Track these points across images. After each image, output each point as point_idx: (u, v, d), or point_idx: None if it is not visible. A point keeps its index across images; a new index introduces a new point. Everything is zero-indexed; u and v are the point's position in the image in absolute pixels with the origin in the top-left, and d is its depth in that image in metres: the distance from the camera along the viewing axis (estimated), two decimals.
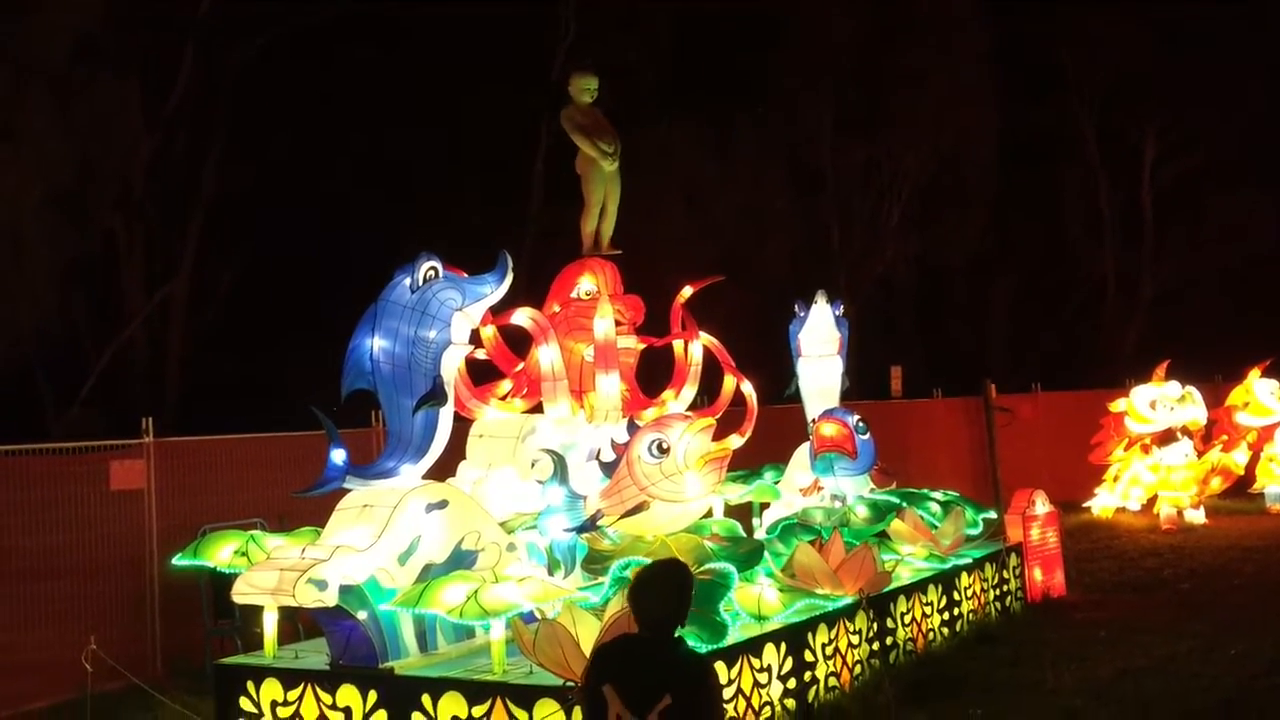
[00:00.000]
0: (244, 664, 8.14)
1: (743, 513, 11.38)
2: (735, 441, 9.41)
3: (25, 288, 17.47)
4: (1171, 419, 17.63)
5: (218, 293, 21.78)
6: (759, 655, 7.90)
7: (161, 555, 10.28)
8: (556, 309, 9.82)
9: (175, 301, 21.08)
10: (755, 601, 8.36)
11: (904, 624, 9.68)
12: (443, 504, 7.80)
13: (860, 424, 10.77)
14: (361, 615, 7.43)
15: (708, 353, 10.21)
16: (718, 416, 9.34)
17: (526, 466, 8.92)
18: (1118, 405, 18.11)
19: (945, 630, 10.29)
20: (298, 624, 9.26)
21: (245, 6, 20.55)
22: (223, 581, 8.86)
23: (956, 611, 10.51)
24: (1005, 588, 11.48)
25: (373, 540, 7.42)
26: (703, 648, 7.31)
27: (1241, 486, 18.66)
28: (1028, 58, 29.05)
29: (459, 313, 8.02)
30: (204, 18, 20.26)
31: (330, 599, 7.18)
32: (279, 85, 21.42)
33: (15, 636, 9.78)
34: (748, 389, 10.30)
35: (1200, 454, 17.86)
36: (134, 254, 20.63)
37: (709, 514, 9.53)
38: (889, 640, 9.44)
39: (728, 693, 7.48)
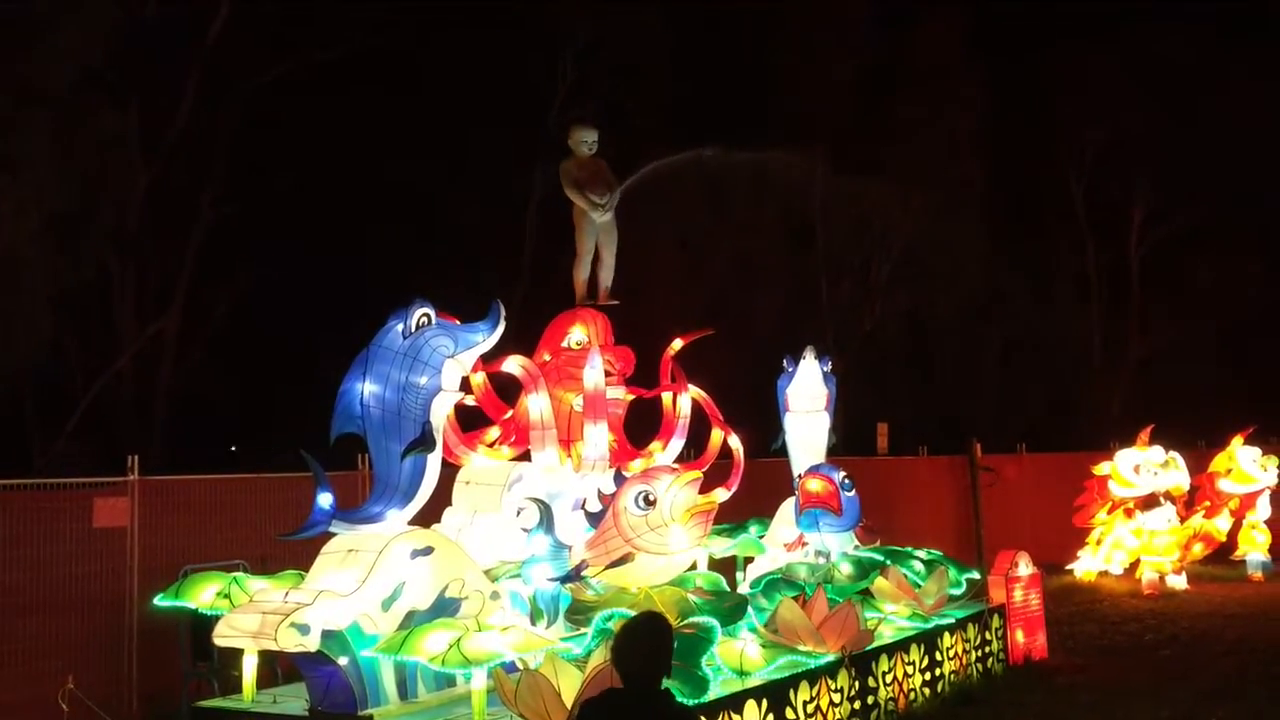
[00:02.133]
0: (221, 707, 8.08)
1: (727, 566, 11.38)
2: (721, 495, 9.44)
3: (17, 315, 17.44)
4: (1155, 484, 17.69)
5: (210, 328, 21.76)
6: (740, 711, 7.87)
7: (142, 595, 10.20)
8: (547, 358, 9.88)
9: (166, 336, 21.05)
10: (737, 656, 8.35)
11: (885, 683, 9.66)
12: (428, 550, 7.79)
13: (846, 480, 10.81)
14: (343, 661, 7.40)
15: (696, 405, 10.26)
16: (705, 470, 9.37)
17: (511, 514, 8.93)
18: (1101, 468, 18.18)
19: (926, 690, 10.27)
20: (276, 668, 9.20)
21: (251, 41, 20.75)
22: (202, 623, 8.81)
23: (938, 672, 10.49)
24: (987, 649, 11.47)
25: (357, 585, 7.41)
26: (684, 702, 7.28)
27: (1223, 553, 18.71)
28: (1019, 119, 29.48)
29: (450, 360, 8.08)
30: (210, 50, 20.43)
31: (312, 644, 7.15)
32: (278, 121, 21.56)
33: None
34: (735, 443, 10.35)
35: (1183, 519, 17.91)
36: (127, 286, 20.64)
37: (693, 567, 9.53)
38: (870, 699, 9.42)
39: None
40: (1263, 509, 18.69)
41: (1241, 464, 18.61)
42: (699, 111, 25.03)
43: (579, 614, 8.45)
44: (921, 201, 26.79)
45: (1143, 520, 17.67)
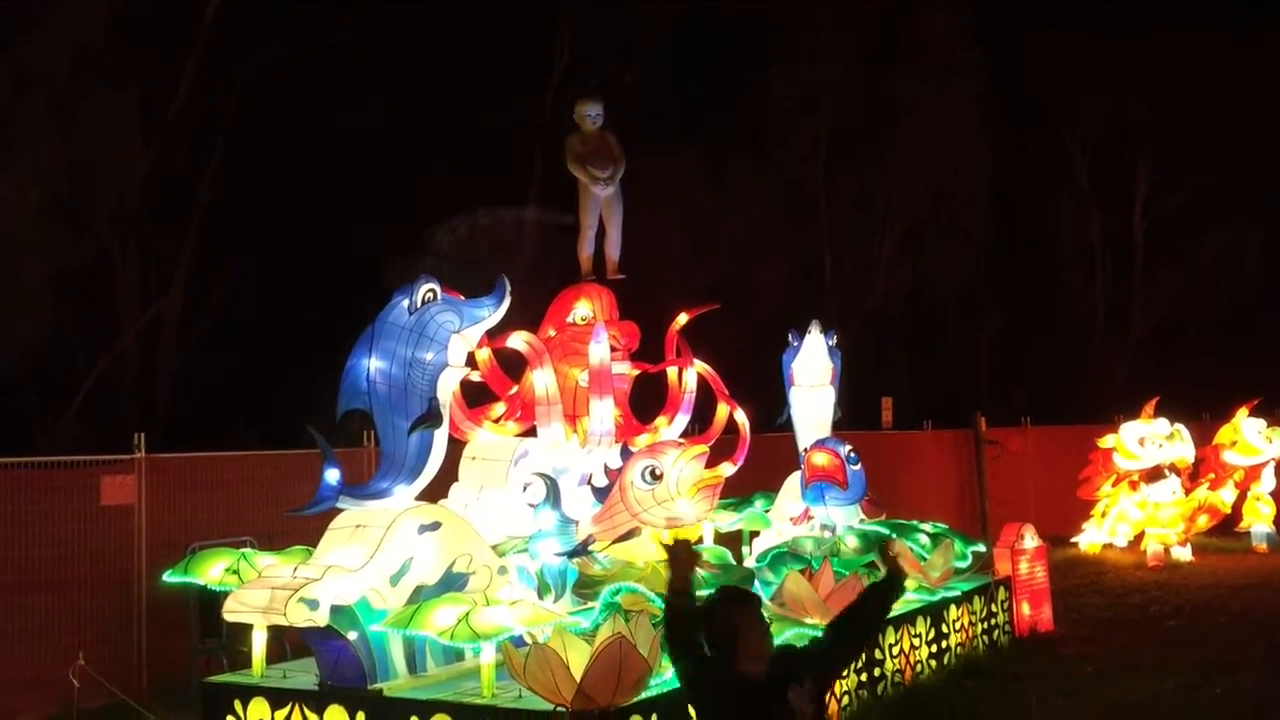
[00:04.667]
0: (231, 682, 8.10)
1: (733, 540, 11.40)
2: (727, 469, 9.44)
3: (19, 297, 17.45)
4: (1160, 456, 17.71)
5: (211, 308, 21.74)
6: None
7: (150, 571, 10.24)
8: (552, 333, 9.86)
9: (169, 316, 21.05)
10: None
11: (892, 655, 9.69)
12: (435, 526, 7.80)
13: (852, 454, 10.80)
14: (352, 636, 7.42)
15: (701, 380, 10.25)
16: (710, 444, 9.36)
17: (517, 489, 8.93)
18: (1106, 441, 18.18)
19: (933, 663, 10.30)
20: (285, 643, 9.24)
21: (250, 22, 20.65)
22: (211, 599, 8.84)
23: (945, 644, 10.52)
24: (993, 621, 11.49)
25: (365, 561, 7.42)
26: None
27: (1228, 525, 18.73)
28: (1021, 92, 29.36)
29: (456, 335, 8.06)
30: (208, 31, 20.34)
31: (321, 619, 7.17)
32: (278, 102, 21.46)
33: (1, 651, 9.72)
34: (741, 417, 10.34)
35: (1188, 492, 17.94)
36: (128, 266, 20.62)
37: (699, 541, 9.54)
38: (877, 671, 9.45)
39: None
40: (1268, 481, 18.70)
41: (1246, 436, 18.59)
42: (698, 89, 24.97)
43: (586, 588, 8.47)
44: (925, 175, 26.72)
45: (1147, 492, 17.69)
